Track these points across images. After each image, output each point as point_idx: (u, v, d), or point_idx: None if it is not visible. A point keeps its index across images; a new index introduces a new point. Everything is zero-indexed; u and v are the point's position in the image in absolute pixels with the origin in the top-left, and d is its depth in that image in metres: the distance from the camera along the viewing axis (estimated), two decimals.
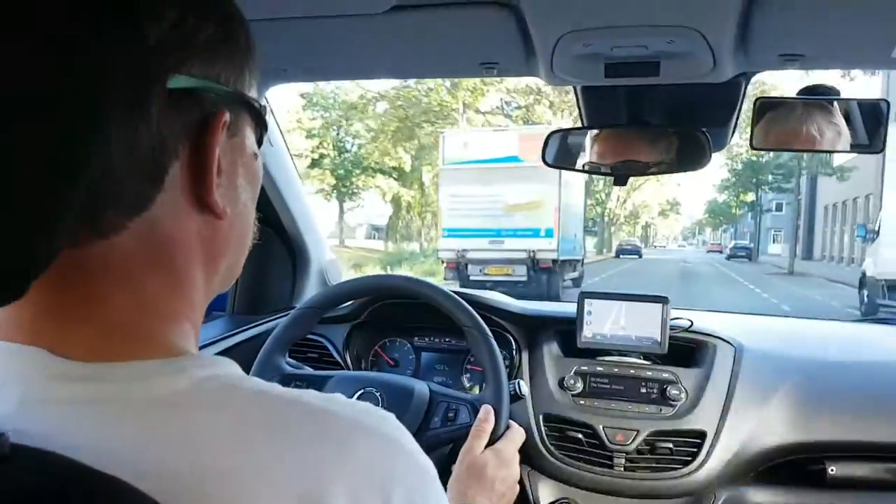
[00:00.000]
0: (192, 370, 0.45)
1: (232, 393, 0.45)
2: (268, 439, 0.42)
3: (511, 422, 1.25)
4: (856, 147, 1.26)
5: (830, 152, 1.24)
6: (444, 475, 1.00)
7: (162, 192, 0.45)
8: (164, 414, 0.42)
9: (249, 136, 0.52)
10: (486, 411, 1.18)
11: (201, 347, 1.38)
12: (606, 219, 46.54)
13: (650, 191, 62.66)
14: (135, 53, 0.41)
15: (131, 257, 0.45)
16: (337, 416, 0.46)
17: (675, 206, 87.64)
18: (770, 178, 35.22)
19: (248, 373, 1.16)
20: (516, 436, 1.20)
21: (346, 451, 0.44)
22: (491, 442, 1.18)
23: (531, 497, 1.49)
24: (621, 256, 40.55)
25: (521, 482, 1.49)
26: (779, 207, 56.28)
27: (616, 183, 1.34)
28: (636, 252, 42.94)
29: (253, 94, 0.52)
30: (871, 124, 1.24)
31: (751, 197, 46.59)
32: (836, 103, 1.25)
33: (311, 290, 1.83)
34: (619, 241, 46.38)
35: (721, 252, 56.16)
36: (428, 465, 0.49)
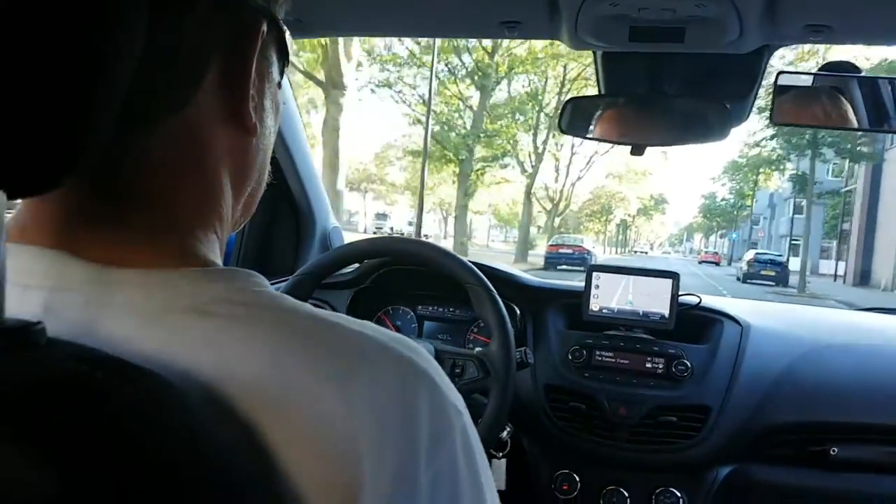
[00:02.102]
0: (220, 280, 0.44)
1: (263, 306, 0.43)
2: (299, 355, 0.41)
3: None
4: (874, 126, 1.26)
5: (851, 129, 1.23)
6: None
7: (200, 94, 0.44)
8: (191, 321, 0.41)
9: (275, 62, 0.52)
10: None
11: None
12: (542, 205, 34.25)
13: (630, 178, 56.13)
14: None
15: (166, 158, 0.44)
16: (370, 340, 0.44)
17: (660, 203, 75.89)
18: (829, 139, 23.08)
19: None
20: None
21: (378, 377, 0.42)
22: (496, 397, 1.17)
23: (532, 468, 1.49)
24: (557, 268, 23.86)
25: (522, 453, 1.49)
26: (798, 209, 39.54)
27: (633, 152, 1.33)
28: (580, 261, 23.27)
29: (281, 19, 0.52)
30: (890, 103, 1.23)
31: (766, 185, 39.19)
32: (856, 81, 1.25)
33: (313, 256, 1.81)
34: (553, 241, 27.28)
35: (717, 264, 49.02)
36: (457, 401, 0.47)
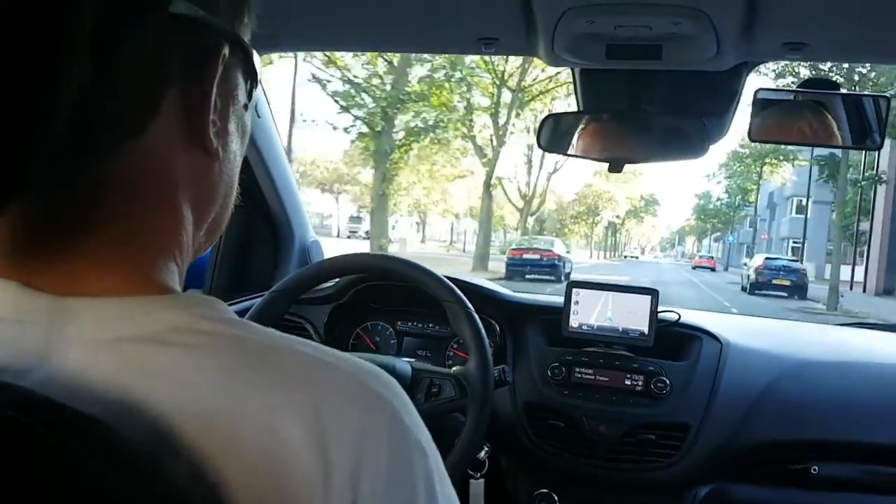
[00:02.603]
0: (178, 308, 0.43)
1: (221, 335, 0.43)
2: (254, 386, 0.40)
3: None
4: (855, 143, 1.25)
5: (828, 146, 1.23)
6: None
7: (158, 120, 0.43)
8: (147, 350, 0.40)
9: (240, 85, 0.51)
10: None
11: None
12: (513, 204, 30.43)
13: (619, 177, 48.14)
14: None
15: (122, 185, 0.43)
16: (332, 370, 0.43)
17: (651, 204, 72.42)
18: None
19: None
20: None
21: (335, 408, 0.41)
22: (473, 417, 1.15)
23: (511, 487, 1.47)
24: (526, 277, 20.03)
25: (500, 472, 1.47)
26: (799, 209, 37.51)
27: (611, 170, 1.32)
28: (549, 269, 20.21)
29: (247, 40, 0.50)
30: (871, 120, 1.23)
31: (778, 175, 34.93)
32: (835, 98, 1.24)
33: (292, 271, 1.79)
34: (516, 245, 22.52)
35: (713, 269, 43.97)
36: (420, 435, 0.45)
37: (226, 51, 0.46)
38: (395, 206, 24.89)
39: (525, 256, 20.98)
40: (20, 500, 0.30)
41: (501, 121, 21.27)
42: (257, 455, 0.38)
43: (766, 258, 23.31)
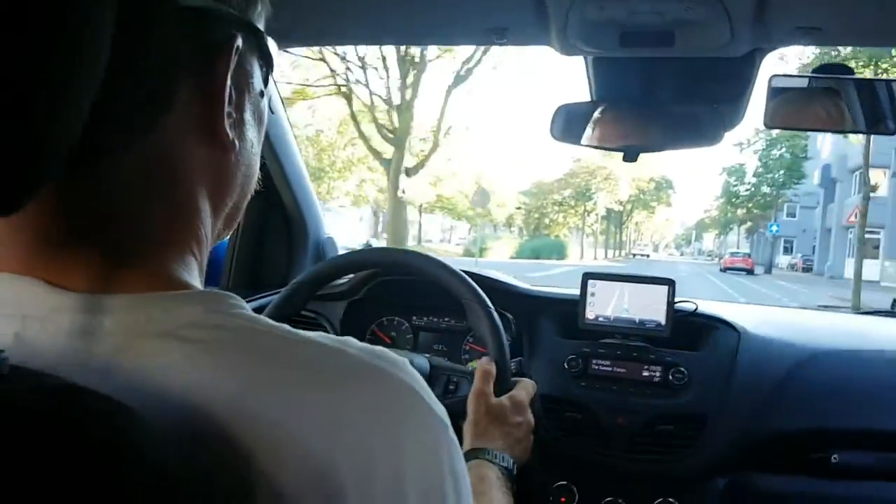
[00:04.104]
0: (195, 304, 0.43)
1: (238, 328, 0.43)
2: (277, 377, 0.41)
3: (520, 379, 1.20)
4: (869, 128, 1.24)
5: (844, 132, 1.22)
6: None
7: (170, 114, 0.43)
8: (166, 346, 0.40)
9: (256, 72, 0.51)
10: (487, 360, 1.14)
11: None
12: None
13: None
14: None
15: (137, 180, 0.44)
16: (350, 357, 0.44)
17: (663, 188, 56.69)
18: None
19: None
20: (528, 385, 1.16)
21: (358, 391, 0.42)
22: (499, 394, 1.15)
23: (529, 479, 1.47)
24: None
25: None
26: (791, 212, 39.48)
27: (626, 159, 1.31)
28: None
29: (261, 26, 0.50)
30: (884, 107, 1.22)
31: None
32: (850, 83, 1.23)
33: (306, 267, 1.80)
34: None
35: (751, 271, 33.97)
36: (443, 415, 0.47)
37: (239, 41, 0.46)
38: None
39: None
40: (50, 484, 0.31)
41: None
42: (283, 437, 0.39)
43: None
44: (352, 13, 1.20)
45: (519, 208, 47.43)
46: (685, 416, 1.40)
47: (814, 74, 1.24)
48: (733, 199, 45.22)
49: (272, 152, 1.58)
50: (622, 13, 1.03)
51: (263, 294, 1.68)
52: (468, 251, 34.33)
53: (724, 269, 35.36)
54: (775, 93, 1.24)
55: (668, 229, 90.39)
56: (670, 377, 1.42)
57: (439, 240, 52.86)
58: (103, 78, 0.36)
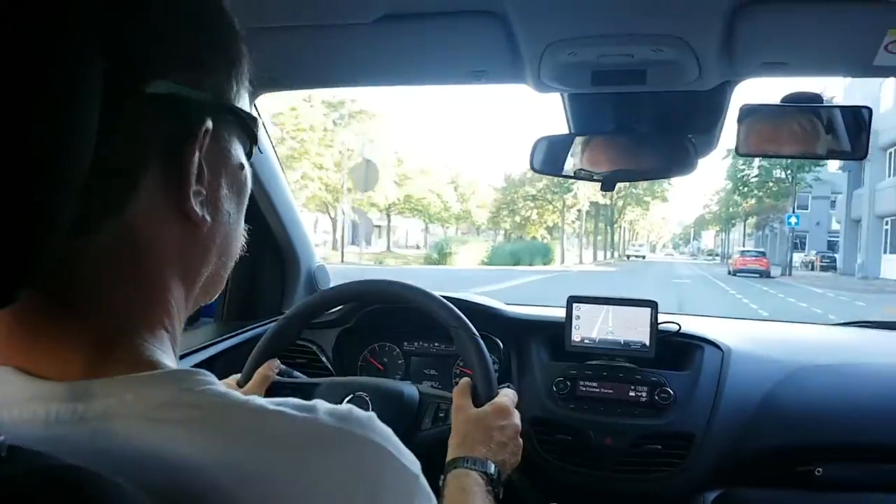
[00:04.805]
0: (169, 384, 0.44)
1: (210, 406, 0.44)
2: (250, 451, 0.42)
3: (502, 388, 1.20)
4: (839, 153, 1.28)
5: (814, 158, 1.26)
6: (437, 473, 0.99)
7: (138, 196, 0.44)
8: (143, 428, 0.42)
9: (236, 146, 0.52)
10: (466, 380, 1.15)
11: (189, 353, 1.39)
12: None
13: None
14: (112, 54, 0.39)
15: (105, 261, 0.45)
16: (319, 427, 0.45)
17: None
18: None
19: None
20: (509, 392, 1.16)
21: (330, 461, 0.44)
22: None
23: (520, 501, 1.50)
24: None
25: (511, 488, 1.50)
26: (802, 204, 33.60)
27: (604, 188, 1.35)
28: None
29: (241, 103, 0.52)
30: (854, 130, 1.26)
31: None
32: (819, 110, 1.27)
33: (299, 297, 1.83)
34: None
35: (767, 273, 28.12)
36: (412, 466, 0.49)
37: (208, 125, 0.47)
38: None
39: None
40: None
41: None
42: None
43: None
44: (341, 58, 1.23)
45: (480, 206, 43.90)
46: (672, 434, 1.43)
47: (784, 103, 1.27)
48: (741, 188, 38.86)
49: (262, 188, 1.61)
50: (593, 56, 1.07)
51: (258, 324, 1.71)
52: (429, 257, 29.84)
53: (735, 272, 29.00)
54: (746, 120, 1.28)
55: (666, 228, 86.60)
56: (656, 397, 1.45)
57: (415, 244, 50.31)
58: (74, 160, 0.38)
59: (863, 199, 28.56)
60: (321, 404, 0.47)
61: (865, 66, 1.10)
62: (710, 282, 23.55)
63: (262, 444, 0.43)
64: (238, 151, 0.52)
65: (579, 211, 44.90)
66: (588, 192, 40.29)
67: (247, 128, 0.52)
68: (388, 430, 0.49)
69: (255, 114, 0.55)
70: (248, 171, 0.55)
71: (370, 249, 36.90)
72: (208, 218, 0.49)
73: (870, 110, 1.23)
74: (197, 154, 0.46)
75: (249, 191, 0.56)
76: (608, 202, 47.62)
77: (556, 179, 35.71)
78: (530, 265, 32.76)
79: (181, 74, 0.45)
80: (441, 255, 28.47)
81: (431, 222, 40.32)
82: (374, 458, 0.46)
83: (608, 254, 54.97)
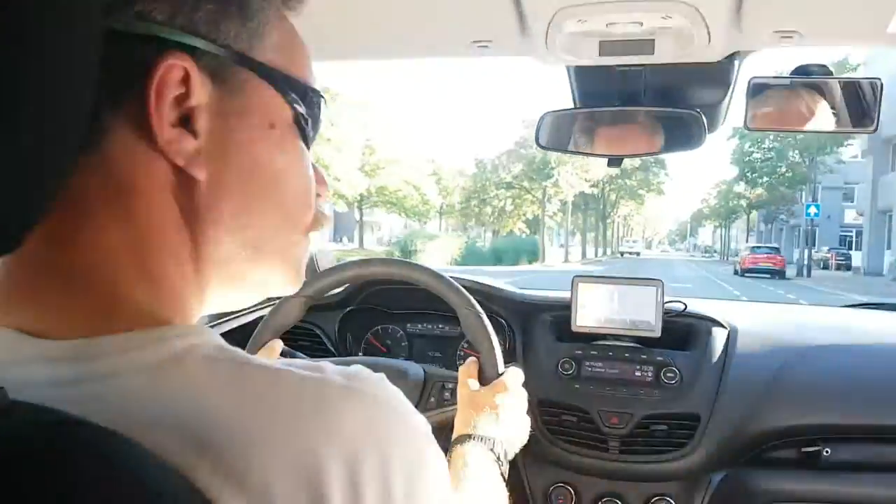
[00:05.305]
0: (170, 341, 0.43)
1: (213, 364, 0.43)
2: (255, 410, 0.41)
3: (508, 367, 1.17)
4: (849, 126, 1.26)
5: (824, 132, 1.24)
6: (444, 452, 0.97)
7: (108, 134, 0.43)
8: (148, 387, 0.41)
9: (265, 105, 0.49)
10: (472, 360, 1.14)
11: None
12: None
13: None
14: None
15: (90, 196, 0.43)
16: (327, 384, 0.44)
17: (651, 167, 43.52)
18: None
19: None
20: (514, 370, 1.14)
21: (339, 419, 0.43)
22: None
23: (527, 482, 1.49)
24: None
25: (516, 468, 1.49)
26: (853, 195, 29.94)
27: (610, 164, 1.33)
28: None
29: (268, 58, 0.49)
30: (864, 103, 1.24)
31: None
32: (828, 83, 1.25)
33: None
34: None
35: (782, 273, 24.73)
36: (422, 425, 0.48)
37: (186, 63, 0.44)
38: None
39: None
40: None
41: None
42: (279, 457, 0.39)
43: None
44: (336, 30, 1.20)
45: (443, 194, 38.18)
46: (678, 415, 1.42)
47: (794, 76, 1.26)
48: (748, 173, 33.48)
49: None
50: (602, 24, 1.05)
51: (258, 306, 1.69)
52: (389, 256, 24.11)
53: (743, 272, 25.52)
54: (755, 94, 1.26)
55: (661, 224, 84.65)
56: (662, 377, 1.44)
57: (388, 241, 43.22)
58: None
59: (891, 187, 25.09)
60: (329, 365, 0.46)
61: (879, 34, 1.08)
62: (716, 284, 20.90)
63: (270, 401, 0.42)
64: (266, 109, 0.49)
65: (563, 202, 38.92)
66: (573, 179, 35.05)
67: (280, 87, 0.49)
68: (398, 390, 0.48)
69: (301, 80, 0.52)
70: (289, 131, 0.51)
71: (342, 247, 34.91)
72: (201, 170, 0.46)
73: (881, 82, 1.21)
74: (158, 92, 0.43)
75: (302, 153, 0.52)
76: (597, 191, 41.55)
77: (533, 165, 33.97)
78: (514, 264, 30.11)
79: (163, 8, 0.43)
80: (404, 252, 25.43)
81: (409, 217, 34.59)
82: (383, 417, 0.45)
83: (600, 251, 50.61)
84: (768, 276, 24.81)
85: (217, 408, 0.40)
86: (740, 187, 38.82)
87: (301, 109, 0.51)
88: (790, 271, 26.33)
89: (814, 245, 28.41)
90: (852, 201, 35.11)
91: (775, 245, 31.02)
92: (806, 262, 26.88)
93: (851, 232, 34.27)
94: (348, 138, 23.43)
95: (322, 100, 0.54)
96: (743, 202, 40.32)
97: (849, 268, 30.07)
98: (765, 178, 33.27)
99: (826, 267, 30.60)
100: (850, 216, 35.43)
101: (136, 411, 0.39)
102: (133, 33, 0.43)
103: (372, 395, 0.45)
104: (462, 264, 27.44)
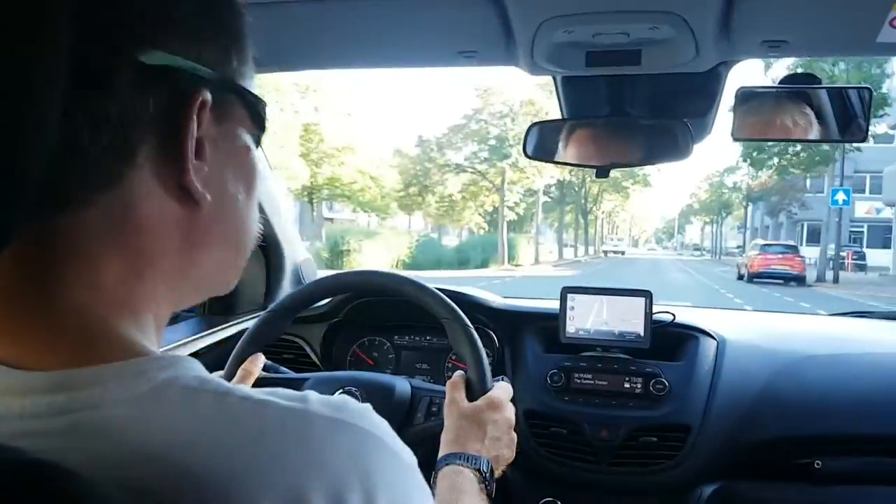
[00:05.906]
0: (151, 373, 0.42)
1: (194, 395, 0.42)
2: (238, 444, 0.40)
3: (496, 382, 1.15)
4: (839, 136, 1.25)
5: (813, 142, 1.23)
6: (430, 468, 0.95)
7: (134, 170, 0.43)
8: (126, 419, 0.40)
9: (241, 128, 0.50)
10: (459, 374, 1.11)
11: (170, 350, 1.34)
12: None
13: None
14: (102, 24, 0.38)
15: (95, 235, 0.43)
16: (311, 416, 0.43)
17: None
18: None
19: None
20: (504, 385, 1.12)
21: (324, 451, 0.42)
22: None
23: (514, 497, 1.47)
24: None
25: (505, 482, 1.47)
26: (816, 187, 26.57)
27: (598, 175, 1.32)
28: None
29: (246, 84, 0.50)
30: (854, 112, 1.23)
31: None
32: (817, 91, 1.24)
33: (285, 291, 1.79)
34: None
35: (801, 279, 19.79)
36: (408, 457, 0.48)
37: (205, 97, 0.45)
38: None
39: None
40: None
41: None
42: (264, 491, 0.38)
43: None
44: (321, 40, 1.19)
45: (372, 176, 26.14)
46: (668, 426, 1.40)
47: (782, 86, 1.24)
48: (754, 154, 26.76)
49: None
50: (588, 35, 1.04)
51: (241, 319, 1.66)
52: (318, 256, 18.53)
53: (752, 277, 20.53)
54: (742, 103, 1.25)
55: (648, 222, 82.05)
56: (651, 388, 1.43)
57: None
58: (65, 132, 0.36)
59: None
60: (313, 395, 0.46)
61: (868, 44, 1.07)
62: (718, 294, 16.28)
63: (253, 435, 0.41)
64: (243, 134, 0.51)
65: (530, 190, 31.36)
66: (542, 165, 23.74)
67: (252, 110, 0.51)
68: (384, 421, 0.48)
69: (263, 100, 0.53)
70: (255, 154, 0.53)
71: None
72: (209, 197, 0.47)
73: (870, 90, 1.20)
74: (194, 126, 0.45)
75: (258, 176, 0.54)
76: (574, 179, 34.42)
77: (487, 142, 26.73)
78: (482, 266, 25.19)
79: (177, 45, 0.43)
80: (332, 253, 20.22)
81: (364, 211, 28.49)
82: (369, 449, 0.44)
83: (580, 250, 44.62)
84: (781, 281, 19.88)
85: (197, 442, 0.39)
86: (737, 176, 33.87)
87: (263, 125, 0.53)
88: (810, 274, 21.28)
89: (818, 242, 25.45)
90: (863, 192, 30.69)
91: (791, 242, 24.52)
92: (834, 264, 21.50)
93: (862, 227, 30.85)
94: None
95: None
96: (738, 195, 35.59)
97: (863, 268, 26.75)
98: (774, 160, 26.81)
99: (843, 268, 24.14)
100: (860, 209, 31.14)
101: (115, 444, 0.38)
102: (168, 68, 0.43)
103: (357, 427, 0.45)
104: (412, 268, 22.19)
